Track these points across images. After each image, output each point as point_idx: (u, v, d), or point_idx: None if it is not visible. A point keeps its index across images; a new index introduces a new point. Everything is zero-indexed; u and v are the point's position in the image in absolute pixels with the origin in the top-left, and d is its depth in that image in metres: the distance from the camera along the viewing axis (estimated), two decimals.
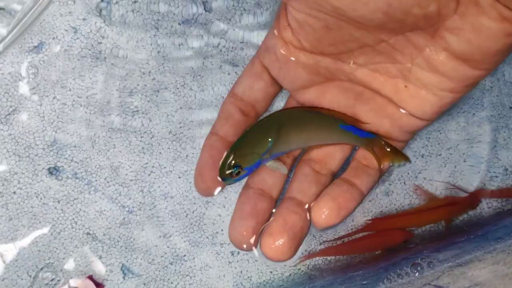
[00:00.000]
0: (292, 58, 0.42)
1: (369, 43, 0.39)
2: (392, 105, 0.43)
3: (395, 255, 0.48)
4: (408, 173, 0.52)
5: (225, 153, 0.43)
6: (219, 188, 0.43)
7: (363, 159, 0.45)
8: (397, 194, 0.52)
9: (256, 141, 0.42)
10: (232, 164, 0.41)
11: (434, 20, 0.36)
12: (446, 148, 0.53)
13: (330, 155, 0.45)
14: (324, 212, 0.41)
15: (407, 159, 0.45)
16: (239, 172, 0.41)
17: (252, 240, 0.42)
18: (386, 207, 0.52)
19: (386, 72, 0.41)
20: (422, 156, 0.53)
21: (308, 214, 0.42)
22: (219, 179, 0.42)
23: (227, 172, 0.41)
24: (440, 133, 0.53)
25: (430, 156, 0.53)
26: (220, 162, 0.42)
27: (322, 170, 0.45)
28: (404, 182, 0.52)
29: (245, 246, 0.42)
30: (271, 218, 0.42)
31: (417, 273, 0.43)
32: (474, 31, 0.35)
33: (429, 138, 0.53)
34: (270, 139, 0.42)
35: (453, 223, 0.52)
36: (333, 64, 0.42)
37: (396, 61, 0.40)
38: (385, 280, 0.44)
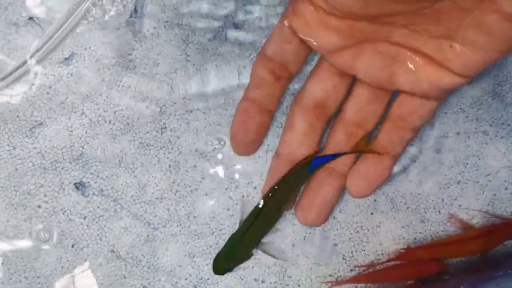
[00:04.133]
0: (323, 23, 0.40)
1: (411, 10, 0.37)
2: (433, 64, 0.40)
3: (430, 285, 0.46)
4: (443, 200, 0.50)
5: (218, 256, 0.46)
6: (254, 150, 0.46)
7: (398, 119, 0.44)
8: (432, 222, 0.50)
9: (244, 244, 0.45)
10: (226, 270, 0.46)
11: None
12: (485, 175, 0.51)
13: (365, 118, 0.44)
14: (356, 188, 0.45)
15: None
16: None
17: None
18: (420, 233, 0.50)
19: (427, 32, 0.39)
20: (458, 183, 0.51)
21: (340, 181, 0.45)
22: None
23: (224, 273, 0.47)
24: (479, 159, 0.51)
25: (467, 183, 0.51)
26: (213, 263, 0.46)
27: (357, 132, 0.44)
28: (439, 211, 0.50)
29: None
30: (304, 189, 0.45)
31: None
32: None
33: (467, 164, 0.51)
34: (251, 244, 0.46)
35: (488, 254, 0.49)
36: (369, 26, 0.39)
37: (440, 23, 0.38)
38: None
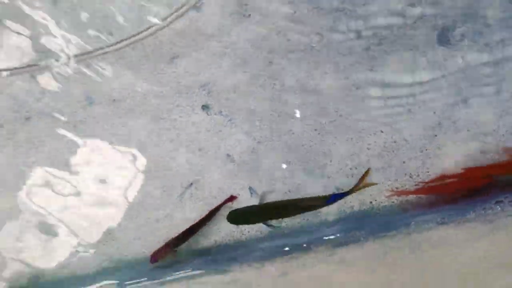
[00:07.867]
0: None
1: None
2: None
3: (480, 195, 0.56)
4: (503, 135, 0.59)
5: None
6: None
7: None
8: (491, 152, 0.59)
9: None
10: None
11: None
12: None
13: None
14: None
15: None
16: None
17: None
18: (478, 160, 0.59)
19: None
20: None
21: None
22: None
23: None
24: None
25: None
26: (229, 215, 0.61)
27: None
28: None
29: None
30: None
31: (500, 208, 0.51)
32: None
33: None
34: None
35: None
36: None
37: None
38: (471, 212, 0.52)
